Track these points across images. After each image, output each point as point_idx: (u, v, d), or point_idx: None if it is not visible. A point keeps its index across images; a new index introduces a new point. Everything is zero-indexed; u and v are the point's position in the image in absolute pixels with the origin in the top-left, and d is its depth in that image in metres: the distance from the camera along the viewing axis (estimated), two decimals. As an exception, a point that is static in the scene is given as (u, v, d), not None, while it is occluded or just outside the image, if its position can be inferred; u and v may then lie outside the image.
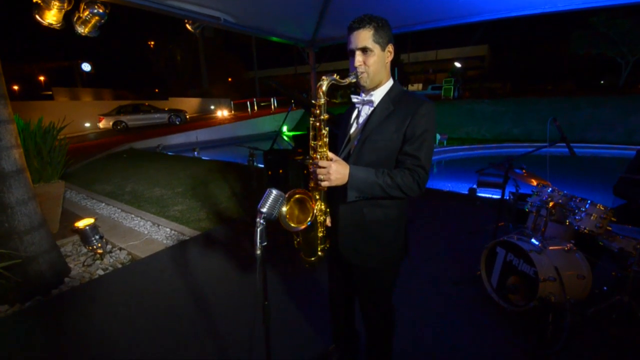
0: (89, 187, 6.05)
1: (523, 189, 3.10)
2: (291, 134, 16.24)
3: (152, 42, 28.22)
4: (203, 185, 5.83)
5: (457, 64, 28.09)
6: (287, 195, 1.23)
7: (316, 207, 1.30)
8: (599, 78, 26.34)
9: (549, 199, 2.35)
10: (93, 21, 3.22)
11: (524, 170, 2.64)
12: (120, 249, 3.56)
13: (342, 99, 26.61)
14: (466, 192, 4.90)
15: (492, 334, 2.10)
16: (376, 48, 1.24)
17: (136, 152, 10.31)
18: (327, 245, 1.42)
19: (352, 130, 1.39)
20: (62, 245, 3.52)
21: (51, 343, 2.20)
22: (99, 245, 3.34)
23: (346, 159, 1.31)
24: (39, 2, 2.87)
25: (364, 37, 1.22)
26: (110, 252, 3.49)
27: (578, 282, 2.11)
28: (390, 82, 1.35)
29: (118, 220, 4.40)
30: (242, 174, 6.51)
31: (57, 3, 2.88)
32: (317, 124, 1.21)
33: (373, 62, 1.25)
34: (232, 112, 22.79)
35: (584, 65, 24.79)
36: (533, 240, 2.27)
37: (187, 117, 18.82)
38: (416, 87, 29.68)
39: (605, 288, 2.29)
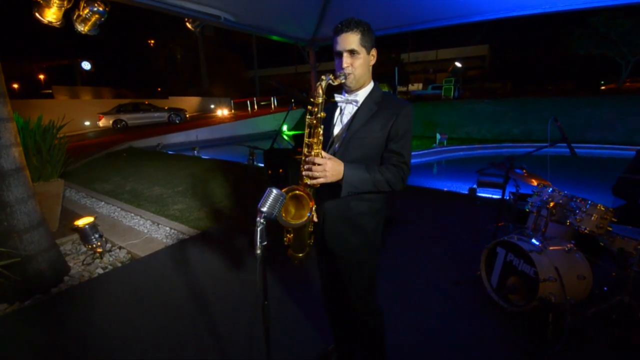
0: (88, 186, 6.05)
1: (523, 189, 3.10)
2: (291, 133, 16.22)
3: (152, 41, 28.18)
4: (203, 184, 5.82)
5: (458, 64, 28.08)
6: (284, 191, 1.23)
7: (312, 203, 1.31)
8: (599, 78, 26.35)
9: (550, 199, 2.34)
10: (93, 19, 3.21)
11: (524, 170, 2.64)
12: (120, 247, 3.56)
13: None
14: (466, 192, 4.90)
15: (492, 334, 2.09)
16: (362, 51, 1.31)
17: (136, 151, 10.30)
18: (312, 241, 1.46)
19: (337, 128, 1.44)
20: (61, 243, 3.51)
21: (51, 342, 2.20)
22: (99, 244, 3.34)
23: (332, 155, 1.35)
24: (39, 0, 2.86)
25: (352, 40, 1.28)
26: (110, 251, 3.49)
27: (578, 282, 2.10)
28: (372, 84, 1.42)
29: (118, 219, 4.39)
30: (242, 173, 6.51)
31: (56, 1, 2.87)
32: (314, 121, 1.24)
33: (359, 64, 1.32)
34: (232, 111, 22.78)
35: (584, 65, 24.78)
36: (533, 240, 2.26)
37: (187, 116, 18.79)
38: (416, 86, 29.65)
39: (605, 288, 2.29)
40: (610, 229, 2.13)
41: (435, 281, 2.67)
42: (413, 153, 1.40)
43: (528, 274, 2.13)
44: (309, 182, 1.28)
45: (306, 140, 1.26)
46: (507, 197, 3.04)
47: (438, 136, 13.06)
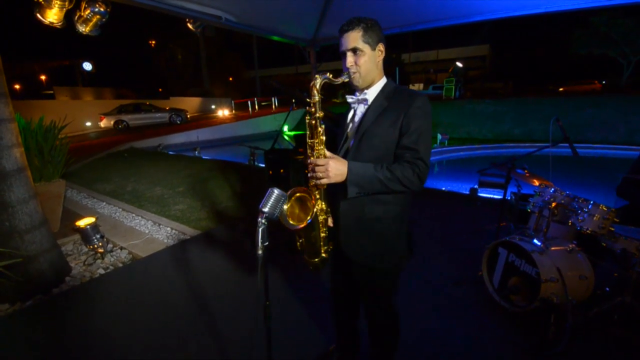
0: (89, 186, 6.06)
1: (525, 189, 3.09)
2: (292, 133, 16.23)
3: (153, 42, 28.27)
4: (204, 185, 5.83)
5: (459, 64, 28.04)
6: (288, 194, 1.23)
7: (317, 205, 1.29)
8: (600, 78, 26.29)
9: (552, 200, 2.34)
10: (94, 20, 3.21)
11: (525, 171, 2.63)
12: (121, 248, 3.56)
13: (343, 98, 26.55)
14: (467, 192, 4.89)
15: (493, 334, 2.09)
16: (366, 48, 1.27)
17: (137, 151, 10.32)
18: (331, 247, 1.41)
19: (350, 129, 1.40)
20: (63, 244, 3.52)
21: (52, 342, 2.20)
22: (100, 244, 3.34)
23: (344, 157, 1.32)
24: (40, 0, 2.87)
25: (354, 38, 1.25)
26: (111, 251, 3.49)
27: (580, 282, 2.10)
28: (383, 80, 1.37)
29: (119, 219, 4.40)
30: (243, 174, 6.51)
31: (58, 2, 2.87)
32: (313, 122, 1.23)
33: (364, 61, 1.28)
34: (233, 111, 22.79)
35: (585, 65, 24.74)
36: (535, 240, 2.26)
37: (188, 116, 18.81)
38: (417, 87, 29.61)
39: (607, 289, 2.28)
40: (613, 229, 2.12)
41: (436, 281, 2.67)
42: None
43: (530, 275, 2.12)
44: (313, 183, 1.26)
45: (308, 141, 1.24)
46: (509, 198, 3.04)
47: (439, 136, 13.05)
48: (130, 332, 2.25)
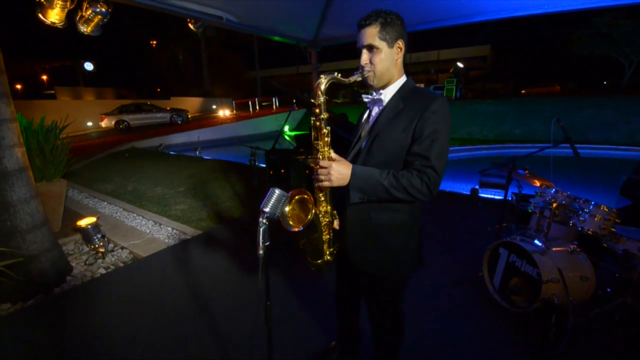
0: (91, 186, 6.07)
1: (526, 190, 3.09)
2: (293, 133, 16.24)
3: (155, 42, 28.28)
4: (205, 185, 5.83)
5: (460, 64, 28.01)
6: (289, 195, 1.22)
7: (321, 208, 1.28)
8: (601, 78, 26.25)
9: (553, 200, 2.33)
10: (96, 20, 3.22)
11: (527, 171, 2.63)
12: (122, 247, 3.56)
13: (344, 98, 26.56)
14: (468, 193, 4.88)
15: (494, 335, 2.09)
16: (383, 45, 1.19)
17: (138, 151, 10.33)
18: (336, 249, 1.38)
19: (363, 130, 1.34)
20: (64, 243, 3.52)
21: (53, 341, 2.20)
22: (101, 244, 3.34)
23: (355, 159, 1.29)
24: (42, 1, 2.87)
25: (370, 34, 1.19)
26: (112, 251, 3.50)
27: (581, 283, 2.09)
28: (402, 79, 1.28)
29: (120, 219, 4.40)
30: (244, 174, 6.51)
31: (59, 2, 2.88)
32: (318, 123, 1.19)
33: (379, 60, 1.20)
34: (234, 111, 22.83)
35: (586, 65, 24.70)
36: (536, 241, 2.25)
37: (189, 116, 18.84)
38: (418, 87, 29.54)
39: (608, 290, 2.27)
40: (614, 230, 2.11)
41: (437, 281, 2.67)
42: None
43: (531, 275, 2.12)
44: (316, 186, 1.24)
45: (313, 142, 1.21)
46: (510, 198, 3.03)
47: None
48: (131, 331, 2.26)
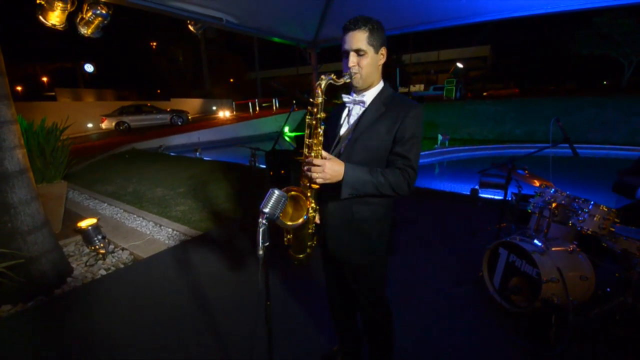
0: (91, 188, 6.08)
1: (525, 190, 3.09)
2: (293, 134, 16.26)
3: (155, 43, 28.33)
4: (205, 186, 5.84)
5: (460, 65, 28.03)
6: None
7: (308, 204, 1.31)
8: (601, 78, 26.25)
9: (552, 200, 2.34)
10: (96, 22, 3.23)
11: (526, 171, 2.63)
12: (123, 249, 3.57)
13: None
14: (468, 193, 4.88)
15: (494, 335, 2.09)
16: (370, 50, 1.27)
17: (138, 152, 10.34)
18: (314, 243, 1.45)
19: (343, 129, 1.41)
20: (64, 245, 3.53)
21: (54, 342, 2.21)
22: (102, 245, 3.35)
23: (338, 155, 1.33)
24: (42, 3, 2.89)
25: (359, 38, 1.25)
26: (113, 252, 3.50)
27: (581, 283, 2.10)
28: (381, 84, 1.38)
29: (120, 220, 4.41)
30: (244, 175, 6.52)
31: (60, 4, 2.89)
32: (314, 122, 1.23)
33: (366, 64, 1.28)
34: (234, 112, 22.82)
35: (586, 65, 24.70)
36: (536, 241, 2.26)
37: (189, 117, 18.85)
38: (418, 87, 29.61)
39: (608, 289, 2.28)
40: (613, 229, 2.12)
41: (437, 281, 2.67)
42: (416, 155, 1.38)
43: (530, 275, 2.12)
44: (308, 183, 1.27)
45: (306, 141, 1.25)
46: (510, 198, 3.04)
47: (440, 137, 13.03)
48: (132, 332, 2.26)
